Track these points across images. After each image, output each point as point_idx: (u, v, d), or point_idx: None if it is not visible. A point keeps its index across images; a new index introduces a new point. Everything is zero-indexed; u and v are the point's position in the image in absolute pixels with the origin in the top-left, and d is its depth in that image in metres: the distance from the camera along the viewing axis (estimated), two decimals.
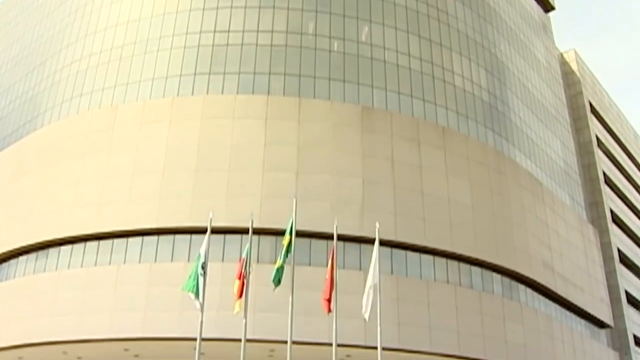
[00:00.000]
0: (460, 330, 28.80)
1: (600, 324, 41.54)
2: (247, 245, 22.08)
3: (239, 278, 21.16)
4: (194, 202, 28.35)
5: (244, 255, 21.65)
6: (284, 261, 21.27)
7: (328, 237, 24.21)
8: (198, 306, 21.24)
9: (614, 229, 55.20)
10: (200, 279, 21.28)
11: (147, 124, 30.80)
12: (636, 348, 53.47)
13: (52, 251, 30.55)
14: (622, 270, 54.67)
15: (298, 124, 30.19)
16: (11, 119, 39.14)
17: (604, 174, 56.31)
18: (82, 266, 29.33)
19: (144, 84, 32.35)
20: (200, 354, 21.40)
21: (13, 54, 43.00)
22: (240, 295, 21.02)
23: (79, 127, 32.45)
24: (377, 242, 22.31)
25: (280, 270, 21.22)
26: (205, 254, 21.70)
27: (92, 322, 27.12)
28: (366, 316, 21.23)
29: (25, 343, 28.27)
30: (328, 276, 21.14)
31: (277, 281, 21.27)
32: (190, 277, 21.25)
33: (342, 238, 24.07)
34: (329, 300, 20.62)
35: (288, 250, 21.36)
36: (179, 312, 25.52)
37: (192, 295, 21.19)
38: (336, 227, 22.45)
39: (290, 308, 21.08)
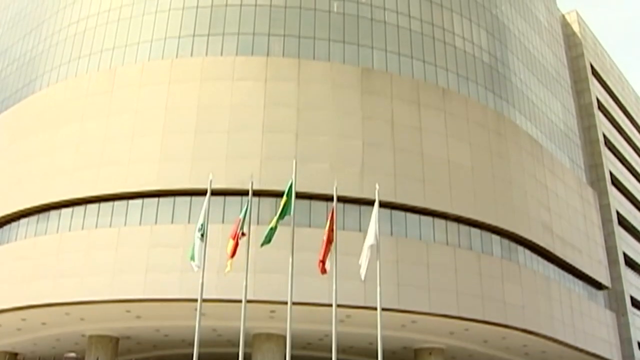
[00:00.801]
0: (459, 291, 28.99)
1: (598, 286, 41.82)
2: (246, 206, 22.09)
3: (233, 238, 21.17)
4: (194, 164, 28.34)
5: (240, 216, 21.64)
6: (277, 221, 21.24)
7: (328, 198, 24.23)
8: (196, 269, 21.32)
9: (613, 191, 55.31)
10: (197, 241, 21.35)
11: (146, 86, 30.65)
12: (633, 309, 53.93)
13: (53, 214, 30.62)
14: (620, 233, 54.90)
15: (298, 85, 30.05)
16: (9, 82, 38.91)
17: (604, 136, 56.25)
18: (82, 228, 29.42)
19: (142, 45, 32.11)
20: (201, 314, 21.59)
21: (10, 16, 42.58)
22: (233, 255, 21.06)
23: (77, 89, 32.29)
24: (376, 204, 22.33)
25: (272, 230, 21.17)
26: (205, 215, 21.76)
27: (94, 283, 27.27)
28: (362, 275, 21.26)
29: (28, 305, 28.46)
30: (325, 237, 21.18)
31: (268, 240, 21.26)
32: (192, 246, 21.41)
33: (341, 199, 24.09)
34: (324, 262, 20.67)
35: (284, 211, 21.33)
36: (180, 273, 25.66)
37: (192, 263, 21.32)
38: (336, 189, 22.46)
39: (290, 269, 21.18)
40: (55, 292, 27.79)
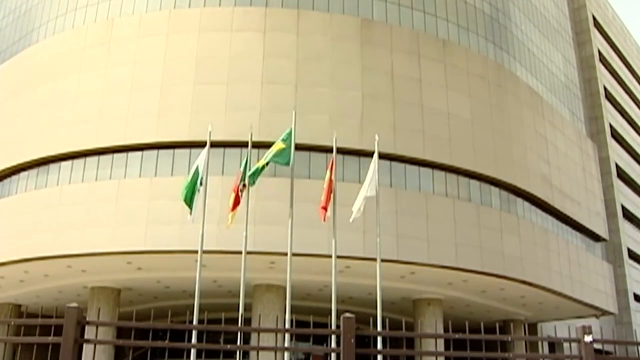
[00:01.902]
0: (458, 243, 29.20)
1: (596, 238, 42.10)
2: (246, 159, 22.10)
3: (235, 191, 21.20)
4: (193, 116, 28.28)
5: (241, 169, 21.65)
6: (267, 163, 21.13)
7: (327, 150, 24.22)
8: (189, 219, 21.28)
9: (613, 144, 55.40)
10: (197, 193, 21.36)
11: (144, 37, 30.40)
12: (630, 261, 54.46)
13: (53, 167, 30.64)
14: (619, 185, 55.14)
15: (297, 36, 29.81)
16: (5, 35, 38.58)
17: (605, 88, 56.09)
18: (83, 181, 29.48)
19: None
20: (202, 266, 21.76)
21: None
22: (234, 209, 21.08)
23: (75, 42, 32.02)
24: (376, 155, 22.35)
25: (258, 170, 21.07)
26: (205, 167, 21.77)
27: (95, 236, 27.43)
28: (352, 219, 21.27)
29: (30, 258, 28.65)
30: (326, 186, 21.22)
31: (252, 182, 21.23)
32: (186, 188, 21.26)
33: (341, 151, 24.10)
34: (326, 209, 20.71)
35: (278, 157, 21.19)
36: (180, 225, 25.79)
37: (188, 209, 21.30)
38: (335, 140, 22.46)
39: (290, 221, 21.30)
40: (56, 245, 27.97)
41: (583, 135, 44.65)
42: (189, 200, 21.15)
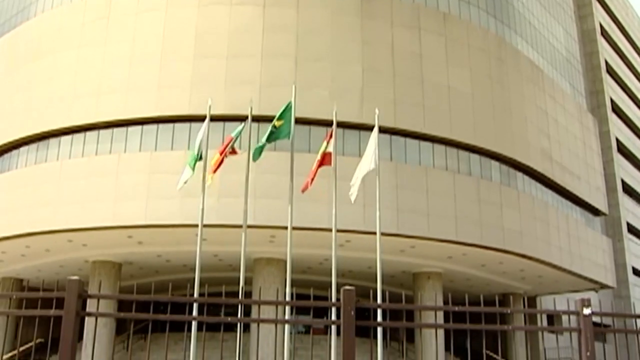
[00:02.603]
0: (458, 217, 29.27)
1: (595, 212, 42.18)
2: (242, 125, 22.02)
3: (220, 153, 21.07)
4: (193, 90, 28.20)
5: (233, 134, 21.54)
6: (268, 140, 21.16)
7: (327, 123, 24.14)
8: (178, 188, 21.36)
9: (613, 118, 55.31)
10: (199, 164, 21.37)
11: (143, 12, 30.20)
12: (629, 235, 54.65)
13: (53, 141, 30.62)
14: (619, 159, 55.13)
15: (297, 10, 29.62)
16: (2, 9, 38.32)
17: (606, 62, 55.85)
18: (83, 156, 29.48)
19: None
20: (202, 240, 21.81)
21: None
22: (215, 170, 21.01)
23: (74, 16, 31.82)
24: (376, 129, 22.30)
25: (260, 147, 21.10)
26: (204, 141, 21.74)
27: (96, 210, 27.49)
28: (352, 198, 21.32)
29: (31, 232, 28.75)
30: (319, 157, 21.22)
31: (255, 158, 21.23)
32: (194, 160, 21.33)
33: (341, 125, 24.03)
34: (312, 180, 20.75)
35: (280, 133, 21.21)
36: (180, 199, 25.84)
37: (189, 171, 21.28)
38: (335, 114, 22.41)
39: (290, 194, 21.33)
40: (57, 219, 28.05)
41: (583, 109, 44.55)
42: (193, 164, 21.19)
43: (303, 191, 21.24)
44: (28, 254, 31.78)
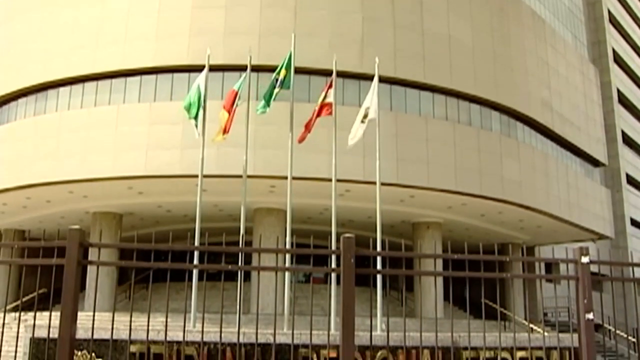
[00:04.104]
0: (458, 166, 29.28)
1: (595, 163, 42.19)
2: (242, 77, 21.93)
3: (228, 110, 20.97)
4: (192, 39, 27.95)
5: (235, 87, 21.44)
6: (277, 92, 21.05)
7: (327, 73, 23.99)
8: (197, 136, 21.31)
9: (615, 68, 54.92)
10: (200, 111, 21.27)
11: None
12: (628, 186, 54.79)
13: (51, 93, 30.45)
14: (620, 111, 54.94)
15: None
16: None
17: (609, 12, 55.22)
18: (81, 107, 29.36)
19: None
20: (202, 190, 21.86)
21: None
22: (226, 130, 20.94)
23: None
24: (376, 78, 22.18)
25: (269, 97, 20.99)
26: (203, 91, 21.62)
27: (95, 161, 27.48)
28: (351, 143, 21.29)
29: (31, 183, 28.80)
30: (317, 107, 21.14)
31: (263, 110, 21.14)
32: (191, 104, 21.20)
33: (341, 74, 23.87)
34: (308, 130, 20.71)
35: (284, 83, 21.11)
36: (180, 150, 25.83)
37: (194, 122, 21.23)
38: (335, 63, 22.24)
39: (290, 144, 21.31)
40: (57, 171, 28.06)
41: (585, 60, 44.20)
42: (195, 116, 21.11)
43: (300, 141, 21.22)
44: (29, 205, 31.88)
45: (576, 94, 40.02)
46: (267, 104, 20.98)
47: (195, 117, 21.16)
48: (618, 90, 55.03)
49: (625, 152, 55.23)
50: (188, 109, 21.17)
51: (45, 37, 30.69)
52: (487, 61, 32.13)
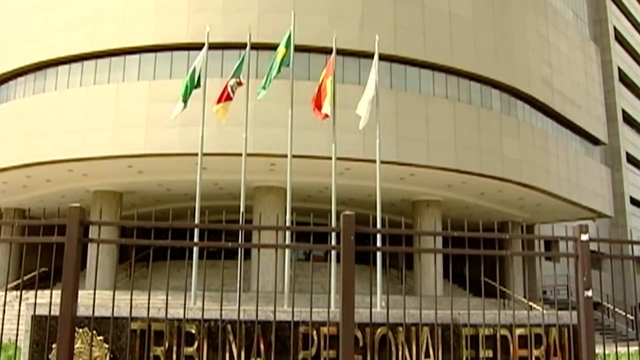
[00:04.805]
0: (458, 145, 29.26)
1: (595, 141, 42.14)
2: (242, 57, 21.84)
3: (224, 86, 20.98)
4: (191, 17, 27.81)
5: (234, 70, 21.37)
6: (278, 71, 20.96)
7: (327, 51, 23.86)
8: (172, 116, 21.34)
9: (616, 47, 54.67)
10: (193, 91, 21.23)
11: None
12: (628, 165, 54.78)
13: (50, 71, 30.38)
14: (620, 89, 54.79)
15: None
16: None
17: None
18: (81, 85, 29.32)
19: None
20: (202, 168, 21.85)
21: None
22: (219, 102, 20.88)
23: None
24: (376, 56, 22.08)
25: (268, 79, 20.92)
26: (203, 69, 21.55)
27: (95, 140, 27.48)
28: (361, 126, 21.24)
29: (31, 162, 28.81)
30: (321, 83, 21.01)
31: (264, 88, 21.06)
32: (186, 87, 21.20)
33: (341, 52, 23.73)
34: (319, 107, 20.52)
35: (283, 62, 21.02)
36: (180, 128, 25.79)
37: (181, 105, 21.22)
38: (335, 41, 22.13)
39: (290, 122, 21.24)
40: (57, 149, 28.06)
41: (586, 38, 43.99)
42: (186, 97, 21.08)
43: (323, 119, 20.79)
44: (29, 184, 31.90)
45: (577, 72, 39.89)
46: (264, 88, 20.88)
47: (184, 101, 21.10)
48: (619, 69, 54.83)
49: (625, 131, 55.15)
50: (183, 92, 21.13)
51: (42, 15, 30.57)
52: (487, 38, 32.00)
